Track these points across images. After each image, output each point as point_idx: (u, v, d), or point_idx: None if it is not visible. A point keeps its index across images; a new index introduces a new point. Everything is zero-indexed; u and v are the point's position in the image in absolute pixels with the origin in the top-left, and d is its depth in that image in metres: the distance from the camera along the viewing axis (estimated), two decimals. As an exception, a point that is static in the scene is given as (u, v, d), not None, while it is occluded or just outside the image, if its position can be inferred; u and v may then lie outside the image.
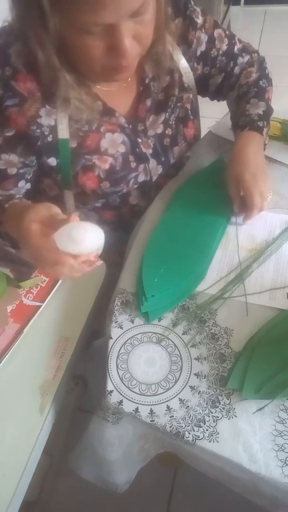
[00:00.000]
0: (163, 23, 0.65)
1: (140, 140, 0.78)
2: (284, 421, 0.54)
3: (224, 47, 0.84)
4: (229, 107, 0.95)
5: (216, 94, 0.93)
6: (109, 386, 0.59)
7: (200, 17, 0.78)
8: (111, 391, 0.58)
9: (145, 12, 0.56)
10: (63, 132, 0.70)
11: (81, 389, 1.10)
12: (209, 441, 0.53)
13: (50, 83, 0.63)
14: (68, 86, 0.63)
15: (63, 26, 0.55)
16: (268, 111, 0.85)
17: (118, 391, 0.58)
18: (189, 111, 0.84)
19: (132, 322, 0.66)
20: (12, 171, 0.71)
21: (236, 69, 0.88)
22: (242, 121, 0.82)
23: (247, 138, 0.79)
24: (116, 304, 0.68)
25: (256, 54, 0.91)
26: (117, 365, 0.61)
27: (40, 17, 0.53)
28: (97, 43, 0.57)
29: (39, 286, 0.73)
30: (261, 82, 0.88)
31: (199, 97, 0.91)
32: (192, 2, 0.77)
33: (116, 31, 0.55)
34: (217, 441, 0.53)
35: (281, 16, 3.26)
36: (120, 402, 0.57)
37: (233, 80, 0.89)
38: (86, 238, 0.48)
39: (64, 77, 0.62)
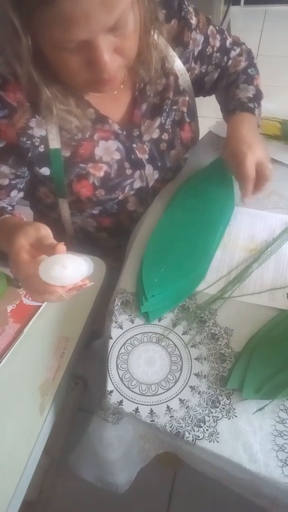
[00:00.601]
0: (149, 31, 0.63)
1: (135, 146, 0.77)
2: (284, 421, 0.54)
3: (218, 43, 0.84)
4: (219, 99, 0.95)
5: (210, 91, 0.93)
6: (109, 386, 0.59)
7: (194, 17, 0.78)
8: (111, 391, 0.58)
9: (124, 26, 0.54)
10: (54, 142, 0.69)
11: (81, 389, 1.10)
12: (209, 441, 0.53)
13: (33, 95, 0.62)
14: (50, 98, 0.62)
15: (38, 42, 0.54)
16: (258, 94, 0.84)
17: (118, 391, 0.58)
18: (185, 114, 0.83)
19: (132, 322, 0.66)
20: (4, 182, 0.71)
21: (230, 63, 0.89)
22: (232, 105, 0.82)
23: (239, 119, 0.78)
24: (116, 304, 0.68)
25: (244, 46, 0.92)
26: (117, 365, 0.61)
27: (13, 32, 0.52)
28: (75, 58, 0.55)
29: (39, 286, 0.73)
30: (249, 70, 0.88)
31: (196, 98, 0.91)
32: (186, 3, 0.76)
33: (93, 47, 0.53)
34: (217, 441, 0.53)
35: (281, 16, 3.26)
36: (120, 402, 0.57)
37: (225, 71, 0.89)
38: (66, 275, 0.49)
39: (45, 89, 0.61)
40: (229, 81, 0.88)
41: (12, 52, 0.56)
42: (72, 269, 0.49)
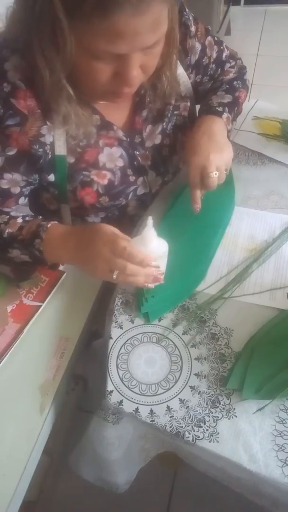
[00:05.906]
0: (170, 50, 0.65)
1: (137, 153, 0.77)
2: (284, 421, 0.54)
3: (214, 55, 0.84)
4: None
5: (199, 99, 0.92)
6: (109, 386, 0.59)
7: (193, 25, 0.77)
8: (111, 391, 0.58)
9: (156, 46, 0.57)
10: (60, 149, 0.69)
11: (81, 389, 1.10)
12: (209, 441, 0.53)
13: (51, 100, 0.62)
14: (68, 103, 0.62)
15: (75, 48, 0.54)
16: (233, 104, 0.83)
17: (118, 391, 0.58)
18: (187, 119, 0.83)
19: (132, 322, 0.66)
20: (16, 190, 0.70)
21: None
22: (201, 110, 0.81)
23: (200, 121, 0.77)
24: (116, 304, 0.68)
25: (240, 61, 0.92)
26: (117, 365, 0.61)
27: (53, 37, 0.52)
28: (105, 68, 0.56)
29: (39, 286, 0.73)
30: (235, 82, 0.87)
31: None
32: (187, 10, 0.76)
33: (126, 61, 0.55)
34: (217, 441, 0.53)
35: (281, 16, 3.26)
36: (120, 402, 0.57)
37: (216, 82, 0.89)
38: (154, 241, 0.59)
39: (67, 95, 0.61)
40: (211, 88, 0.88)
41: (44, 55, 0.55)
42: (158, 240, 0.60)
